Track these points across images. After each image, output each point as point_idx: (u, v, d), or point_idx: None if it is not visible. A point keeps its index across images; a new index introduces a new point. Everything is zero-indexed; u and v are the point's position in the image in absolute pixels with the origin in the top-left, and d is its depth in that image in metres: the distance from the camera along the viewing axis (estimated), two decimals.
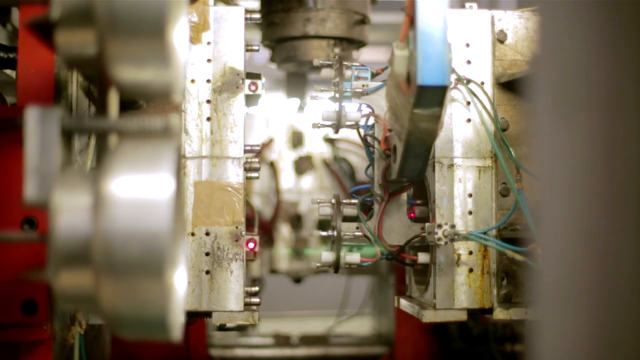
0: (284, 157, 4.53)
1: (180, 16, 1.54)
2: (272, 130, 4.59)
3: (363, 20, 3.32)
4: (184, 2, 1.60)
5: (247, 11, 2.36)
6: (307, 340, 4.51)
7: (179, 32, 1.51)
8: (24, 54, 2.10)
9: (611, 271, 0.98)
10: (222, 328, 4.67)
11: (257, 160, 2.35)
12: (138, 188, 1.29)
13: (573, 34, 1.01)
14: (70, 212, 1.32)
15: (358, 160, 4.47)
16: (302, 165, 4.45)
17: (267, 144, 4.54)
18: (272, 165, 4.54)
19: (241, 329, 4.82)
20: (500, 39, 2.38)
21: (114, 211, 1.28)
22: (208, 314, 2.25)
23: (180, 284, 1.43)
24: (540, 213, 1.05)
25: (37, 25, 1.43)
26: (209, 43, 2.32)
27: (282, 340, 4.57)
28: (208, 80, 2.31)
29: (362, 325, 4.78)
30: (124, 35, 1.36)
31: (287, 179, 4.48)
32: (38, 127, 1.39)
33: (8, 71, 2.82)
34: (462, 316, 2.32)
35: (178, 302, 1.39)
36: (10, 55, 2.47)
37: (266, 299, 4.31)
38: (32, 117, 1.39)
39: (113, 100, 1.54)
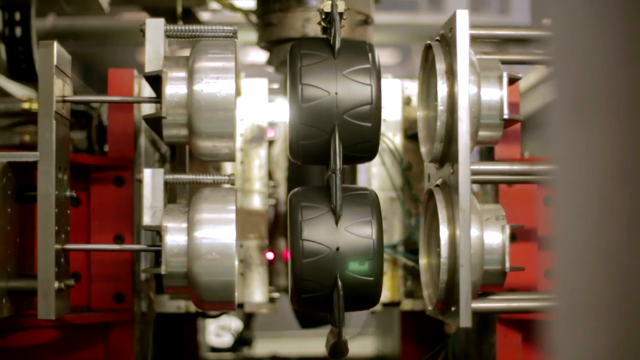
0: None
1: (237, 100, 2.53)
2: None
3: (366, 21, 3.36)
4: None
5: (269, 82, 3.33)
6: None
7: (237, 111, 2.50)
8: (112, 116, 3.07)
9: (631, 287, 0.97)
10: (215, 349, 5.07)
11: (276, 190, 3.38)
12: (214, 233, 2.36)
13: (591, 37, 1.01)
14: (173, 234, 2.35)
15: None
16: None
17: None
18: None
19: (236, 350, 5.08)
20: (407, 102, 3.36)
21: (200, 251, 2.33)
22: (241, 305, 3.25)
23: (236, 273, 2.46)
24: (556, 225, 1.04)
25: (150, 119, 2.45)
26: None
27: None
28: (241, 134, 3.30)
29: (365, 346, 4.78)
30: (205, 119, 2.39)
31: None
32: (150, 180, 2.42)
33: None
34: (378, 308, 3.11)
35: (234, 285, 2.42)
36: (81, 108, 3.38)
37: (263, 318, 4.52)
38: (147, 174, 2.42)
39: (187, 160, 2.58)
